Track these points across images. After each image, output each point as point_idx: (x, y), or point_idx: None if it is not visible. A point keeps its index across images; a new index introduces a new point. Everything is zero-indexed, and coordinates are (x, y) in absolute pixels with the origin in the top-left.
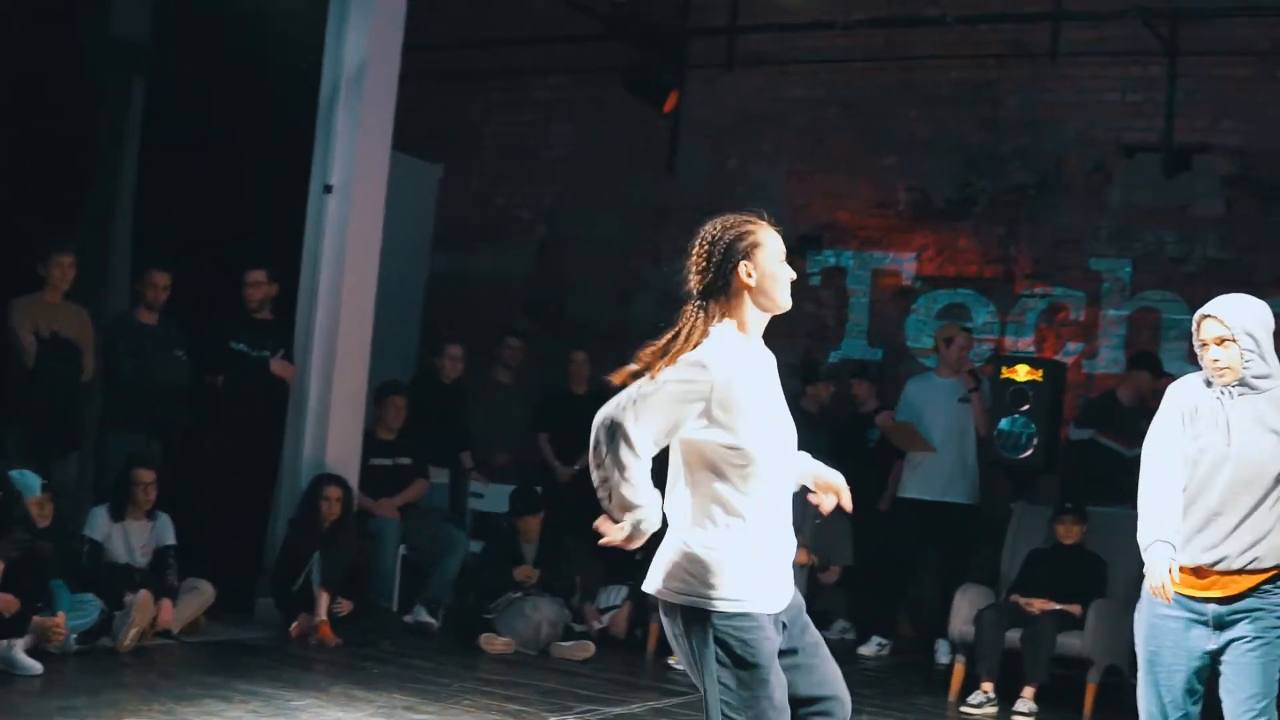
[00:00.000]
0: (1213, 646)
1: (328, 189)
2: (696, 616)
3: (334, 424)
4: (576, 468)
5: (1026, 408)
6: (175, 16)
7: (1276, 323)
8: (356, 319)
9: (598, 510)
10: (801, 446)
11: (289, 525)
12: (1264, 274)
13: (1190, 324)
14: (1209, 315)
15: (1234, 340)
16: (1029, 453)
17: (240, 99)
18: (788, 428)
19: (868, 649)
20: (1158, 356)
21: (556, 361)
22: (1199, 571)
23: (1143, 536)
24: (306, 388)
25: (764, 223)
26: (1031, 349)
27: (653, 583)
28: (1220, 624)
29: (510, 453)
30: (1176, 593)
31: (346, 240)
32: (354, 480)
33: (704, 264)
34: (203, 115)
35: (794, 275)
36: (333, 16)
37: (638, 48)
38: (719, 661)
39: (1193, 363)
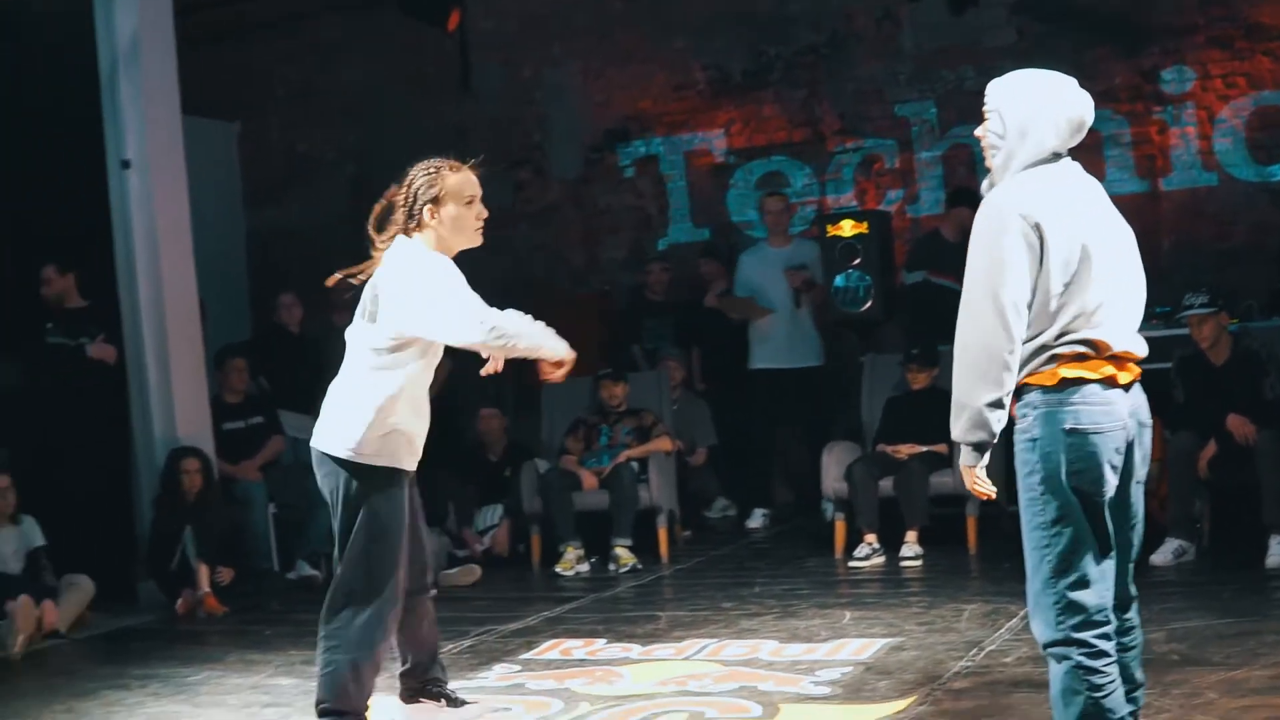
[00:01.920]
0: None
1: (125, 164)
2: None
3: (179, 397)
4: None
5: (858, 261)
6: None
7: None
8: (181, 290)
9: (460, 437)
10: (646, 331)
11: (154, 505)
12: None
13: None
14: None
15: (986, 116)
16: (868, 305)
17: (18, 88)
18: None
19: (753, 522)
20: (974, 189)
21: None
22: None
23: None
24: (145, 367)
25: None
26: (854, 203)
27: None
28: None
29: None
30: None
31: (155, 213)
32: (210, 449)
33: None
34: None
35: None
36: None
37: None
38: None
39: None
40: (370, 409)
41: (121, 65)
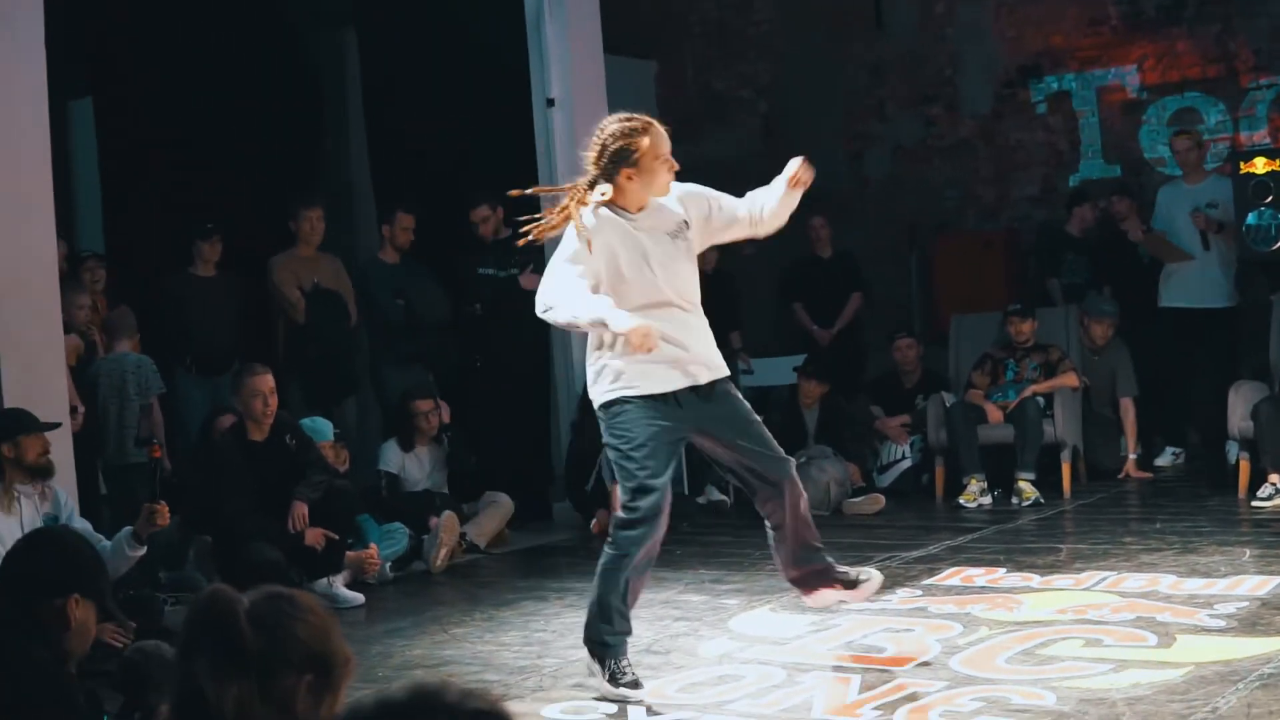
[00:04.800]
0: None
1: (550, 103)
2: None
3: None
4: (834, 330)
5: (1270, 199)
6: None
7: None
8: None
9: (861, 373)
10: (1070, 270)
11: (572, 429)
12: None
13: None
14: None
15: None
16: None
17: (449, 28)
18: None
19: (1163, 460)
20: None
21: (798, 230)
22: None
23: None
24: None
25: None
26: (1267, 140)
27: None
28: None
29: (766, 321)
30: None
31: (576, 150)
32: None
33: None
34: (415, 53)
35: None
36: None
37: None
38: None
39: None
40: None
41: (547, 6)
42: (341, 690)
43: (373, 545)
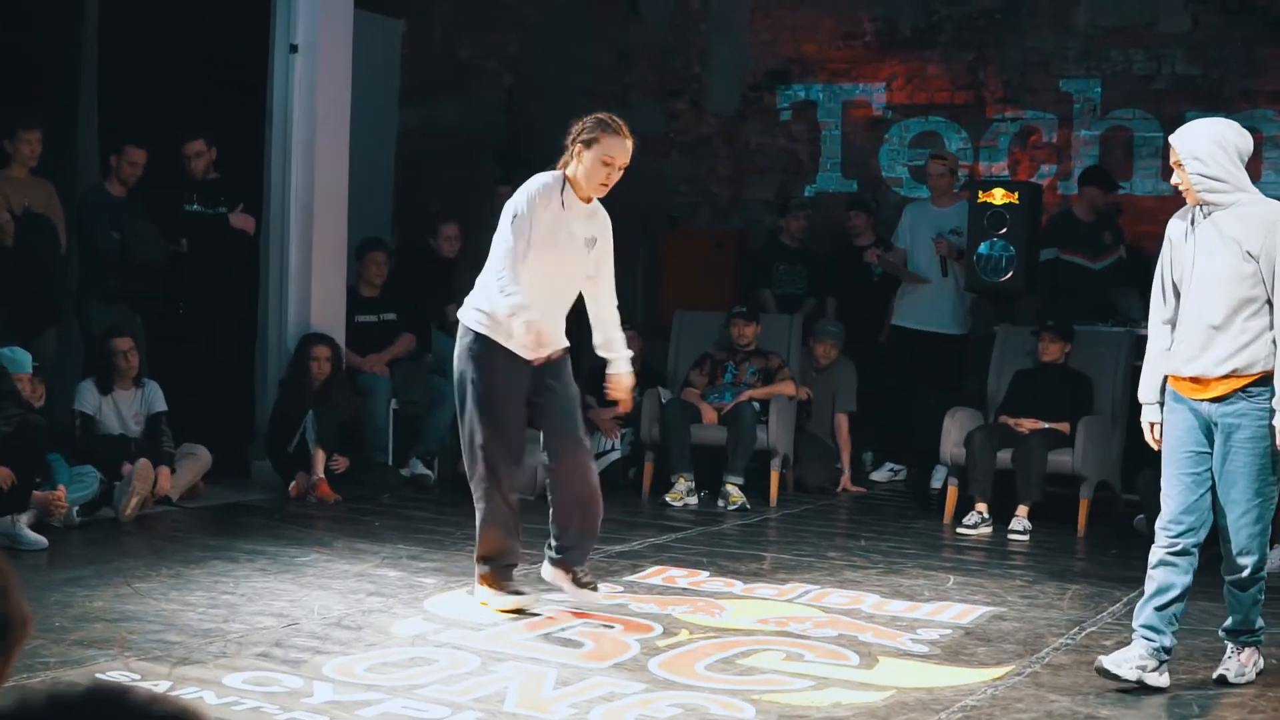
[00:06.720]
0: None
1: (293, 48)
2: None
3: (317, 284)
4: None
5: (1004, 231)
6: None
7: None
8: (332, 179)
9: (579, 361)
10: (782, 280)
11: (280, 387)
12: (1232, 88)
13: (1161, 141)
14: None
15: (1181, 164)
16: (1009, 275)
17: None
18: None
19: (880, 475)
20: (1106, 170)
21: None
22: (1195, 380)
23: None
24: (287, 249)
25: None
26: (1005, 173)
27: None
28: (1215, 422)
29: None
30: (1183, 396)
31: (316, 99)
32: (341, 338)
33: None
34: None
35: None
36: None
37: None
38: None
39: (1165, 179)
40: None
41: None
42: (15, 653)
43: (61, 487)
